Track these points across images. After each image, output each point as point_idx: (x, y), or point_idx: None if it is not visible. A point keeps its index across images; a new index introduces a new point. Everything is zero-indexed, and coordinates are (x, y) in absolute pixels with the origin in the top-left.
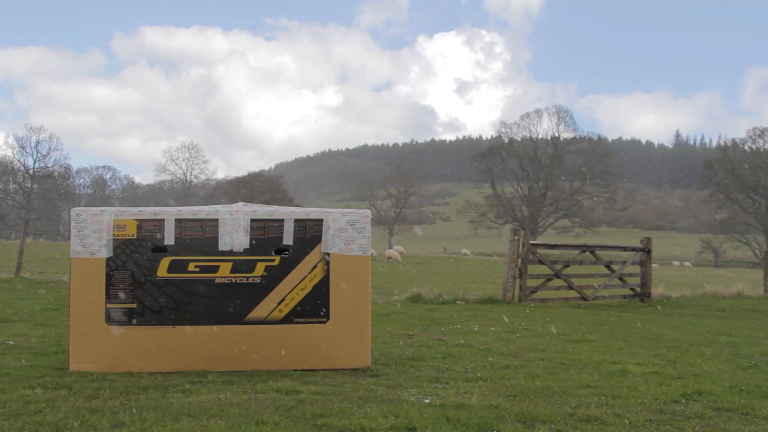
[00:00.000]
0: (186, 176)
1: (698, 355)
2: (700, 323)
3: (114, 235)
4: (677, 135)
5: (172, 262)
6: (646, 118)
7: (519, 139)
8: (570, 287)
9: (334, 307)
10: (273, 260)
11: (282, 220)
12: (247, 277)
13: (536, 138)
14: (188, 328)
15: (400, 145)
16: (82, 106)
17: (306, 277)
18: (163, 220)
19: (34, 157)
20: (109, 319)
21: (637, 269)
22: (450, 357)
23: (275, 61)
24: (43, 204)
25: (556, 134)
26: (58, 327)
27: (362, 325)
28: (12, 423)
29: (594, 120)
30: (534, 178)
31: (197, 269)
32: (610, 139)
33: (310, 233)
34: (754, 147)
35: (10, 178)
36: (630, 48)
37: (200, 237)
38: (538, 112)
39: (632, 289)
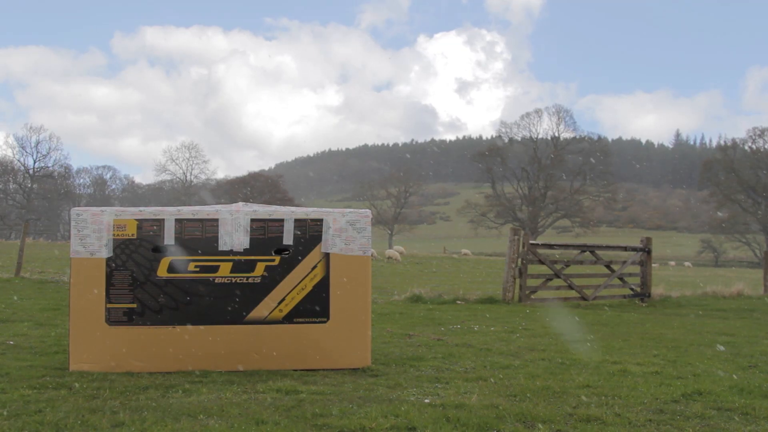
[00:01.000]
0: (186, 176)
1: (698, 354)
2: (700, 323)
3: (114, 234)
4: (677, 135)
5: (172, 262)
6: (646, 118)
7: (519, 139)
8: (570, 287)
9: (334, 307)
10: (273, 260)
11: (282, 220)
12: (247, 277)
13: (536, 138)
14: (189, 328)
15: (400, 144)
16: (82, 105)
17: (306, 276)
18: (163, 220)
19: (34, 157)
20: (109, 319)
21: (637, 269)
22: (450, 357)
23: (275, 60)
24: (43, 204)
25: (556, 134)
26: (58, 327)
27: (362, 325)
28: (12, 423)
29: (594, 120)
30: (534, 178)
31: (197, 269)
32: (610, 139)
33: (310, 233)
34: (754, 147)
35: (10, 178)
36: (630, 48)
37: (200, 237)
38: (538, 112)
39: (632, 289)
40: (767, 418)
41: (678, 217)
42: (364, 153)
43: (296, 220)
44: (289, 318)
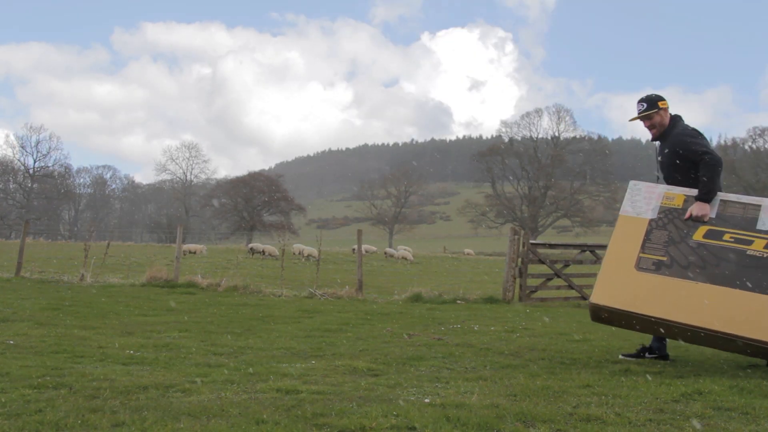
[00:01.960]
0: (186, 176)
1: (698, 354)
2: None
3: (662, 203)
4: None
5: (709, 231)
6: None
7: (519, 138)
8: (570, 287)
9: None
10: None
11: None
12: None
13: (536, 137)
14: (708, 287)
15: (400, 144)
16: (84, 102)
17: None
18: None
19: (35, 156)
20: (638, 266)
21: None
22: (450, 356)
23: (282, 57)
24: (43, 204)
25: (557, 134)
26: (58, 326)
27: None
28: (12, 422)
29: (603, 118)
30: (534, 178)
31: (731, 240)
32: (610, 139)
33: None
34: (754, 146)
35: (11, 178)
36: (642, 45)
37: (741, 215)
38: (538, 112)
39: None
40: (767, 417)
41: None
42: (365, 152)
43: None
44: None
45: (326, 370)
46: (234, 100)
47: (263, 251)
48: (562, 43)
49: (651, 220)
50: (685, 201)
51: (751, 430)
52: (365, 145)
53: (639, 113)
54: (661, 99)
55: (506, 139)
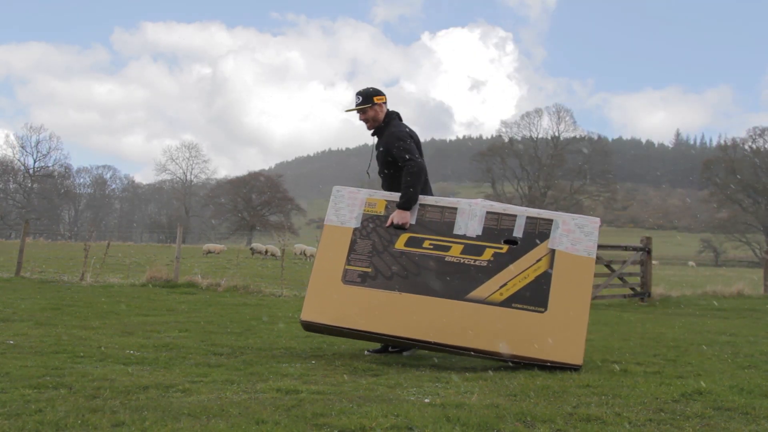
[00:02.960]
0: (186, 176)
1: (698, 354)
2: (700, 322)
3: (365, 210)
4: (677, 134)
5: (410, 238)
6: (656, 116)
7: (519, 138)
8: None
9: (553, 300)
10: (501, 248)
11: (515, 216)
12: (475, 260)
13: (536, 137)
14: (412, 296)
15: None
16: (84, 102)
17: (530, 267)
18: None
19: (35, 156)
20: (344, 279)
21: (637, 269)
22: (450, 356)
23: (282, 57)
24: (43, 203)
25: (557, 134)
26: (58, 326)
27: (579, 322)
28: (12, 422)
29: (604, 118)
30: (534, 178)
31: (431, 246)
32: (610, 139)
33: (539, 229)
34: (754, 146)
35: (11, 178)
36: (642, 44)
37: (439, 220)
38: (538, 112)
39: (632, 289)
40: (767, 417)
41: (678, 216)
42: (365, 152)
43: (528, 217)
44: (508, 302)
45: (326, 370)
46: (234, 100)
47: (266, 251)
48: (562, 43)
49: (355, 229)
50: (387, 207)
51: (751, 430)
52: (365, 145)
53: (355, 105)
54: (378, 94)
55: (506, 139)
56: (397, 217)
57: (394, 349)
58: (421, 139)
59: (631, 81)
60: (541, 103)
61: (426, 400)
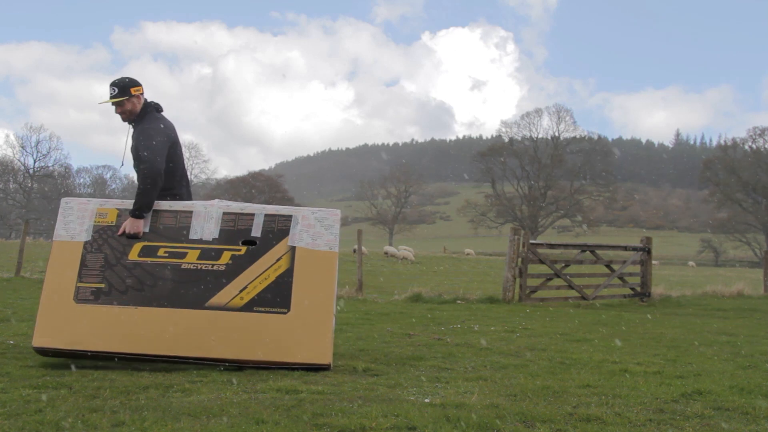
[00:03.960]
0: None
1: (698, 354)
2: (701, 322)
3: (96, 221)
4: (677, 134)
5: (143, 248)
6: (657, 115)
7: (519, 138)
8: (570, 287)
9: (295, 299)
10: (239, 250)
11: (253, 215)
12: (212, 265)
13: (536, 137)
14: (150, 310)
15: (400, 144)
16: (84, 102)
17: (270, 267)
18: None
19: (35, 156)
20: (77, 297)
21: (637, 269)
22: (450, 356)
23: (283, 56)
24: (43, 203)
25: (557, 134)
26: None
27: (324, 320)
28: (12, 422)
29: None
30: (534, 178)
31: (166, 254)
32: (610, 139)
33: (278, 227)
34: (754, 146)
35: (11, 178)
36: (643, 45)
37: (174, 225)
38: (538, 112)
39: (632, 289)
40: (767, 417)
41: (678, 216)
42: (365, 152)
43: (266, 215)
44: (249, 306)
45: (326, 370)
46: (234, 100)
47: None
48: (563, 43)
49: (86, 243)
50: (119, 216)
51: (751, 430)
52: (365, 145)
53: (110, 97)
54: (135, 85)
55: (506, 139)
56: (129, 225)
57: None
58: (422, 139)
59: (632, 81)
60: (542, 102)
61: (426, 400)
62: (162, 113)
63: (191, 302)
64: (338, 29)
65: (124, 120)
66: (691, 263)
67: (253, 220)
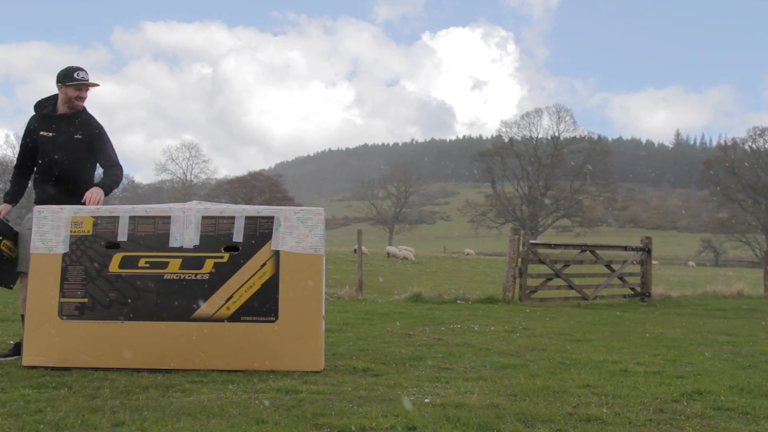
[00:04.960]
0: (186, 176)
1: (698, 354)
2: (701, 322)
3: (72, 231)
4: (677, 134)
5: (124, 259)
6: (658, 116)
7: (519, 138)
8: (570, 287)
9: (283, 306)
10: (222, 257)
11: (233, 218)
12: (196, 274)
13: (536, 137)
14: (136, 324)
15: (400, 144)
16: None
17: (255, 274)
18: (117, 217)
19: None
20: (61, 313)
21: (637, 269)
22: (450, 356)
23: (283, 56)
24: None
25: (556, 134)
26: None
27: (313, 326)
28: (12, 422)
29: (606, 118)
30: (534, 178)
31: (147, 265)
32: (610, 139)
33: (260, 230)
34: (754, 146)
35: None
36: (643, 44)
37: (152, 233)
38: (538, 112)
39: (632, 289)
40: (767, 417)
41: (678, 216)
42: (365, 152)
43: (247, 218)
44: (237, 316)
45: (326, 370)
46: (235, 100)
47: None
48: (564, 43)
49: (64, 255)
50: (95, 225)
51: (751, 430)
52: (365, 145)
53: (89, 80)
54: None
55: (506, 139)
56: (96, 196)
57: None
58: (422, 139)
59: (633, 81)
60: (542, 102)
61: (426, 400)
62: None
63: (177, 315)
64: (339, 29)
65: (77, 107)
66: (691, 263)
67: (233, 223)
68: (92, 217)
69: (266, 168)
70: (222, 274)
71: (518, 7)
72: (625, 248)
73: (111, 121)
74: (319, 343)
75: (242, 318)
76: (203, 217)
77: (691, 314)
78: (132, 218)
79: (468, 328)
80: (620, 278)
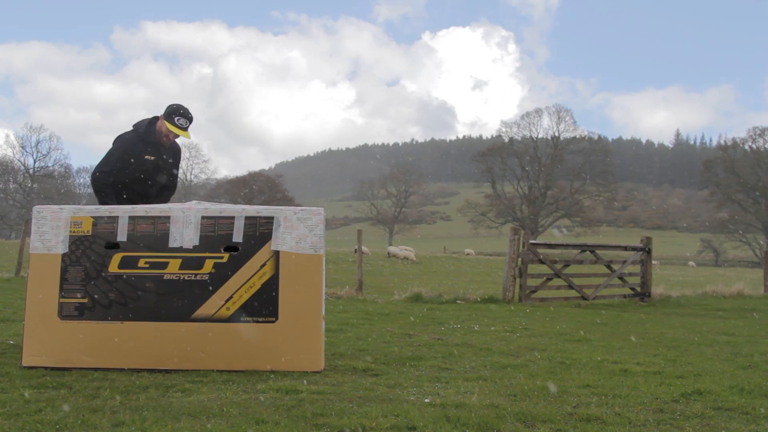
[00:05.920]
0: (186, 176)
1: (698, 354)
2: (700, 322)
3: (71, 232)
4: (677, 134)
5: (123, 259)
6: (658, 116)
7: (519, 138)
8: (570, 287)
9: (283, 307)
10: (221, 257)
11: (233, 218)
12: (195, 274)
13: (536, 137)
14: (136, 324)
15: (400, 144)
16: (84, 102)
17: (255, 274)
18: (117, 217)
19: (35, 156)
20: (61, 314)
21: (637, 269)
22: (450, 356)
23: (283, 56)
24: (44, 204)
25: (556, 134)
26: None
27: (313, 326)
28: (12, 422)
29: (606, 118)
30: (534, 178)
31: (147, 265)
32: (610, 139)
33: (260, 230)
34: (754, 146)
35: (11, 178)
36: (646, 45)
37: (152, 233)
38: (538, 112)
39: (632, 289)
40: (767, 417)
41: (678, 216)
42: (365, 152)
43: (246, 218)
44: (237, 316)
45: (326, 370)
46: (235, 100)
47: None
48: (565, 43)
49: (64, 255)
50: (94, 225)
51: (751, 430)
52: (365, 145)
53: (185, 129)
54: None
55: (506, 139)
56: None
57: None
58: (422, 139)
59: (633, 80)
60: (543, 102)
61: (426, 400)
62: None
63: (177, 315)
64: (339, 29)
65: (165, 143)
66: (691, 263)
67: (233, 223)
68: (92, 217)
69: (266, 168)
70: (222, 274)
71: (519, 7)
72: (625, 248)
73: (111, 121)
74: (319, 343)
75: (242, 318)
76: (203, 217)
77: (691, 314)
78: (131, 218)
79: (468, 328)
80: (620, 278)
